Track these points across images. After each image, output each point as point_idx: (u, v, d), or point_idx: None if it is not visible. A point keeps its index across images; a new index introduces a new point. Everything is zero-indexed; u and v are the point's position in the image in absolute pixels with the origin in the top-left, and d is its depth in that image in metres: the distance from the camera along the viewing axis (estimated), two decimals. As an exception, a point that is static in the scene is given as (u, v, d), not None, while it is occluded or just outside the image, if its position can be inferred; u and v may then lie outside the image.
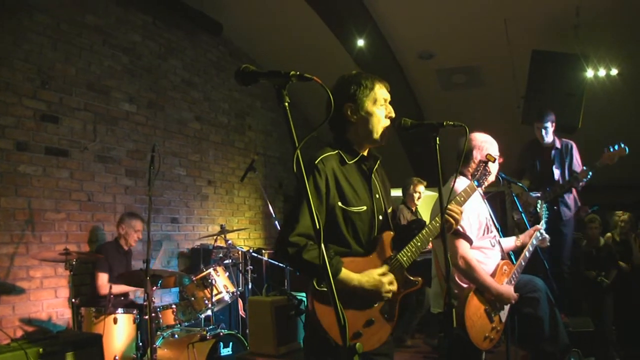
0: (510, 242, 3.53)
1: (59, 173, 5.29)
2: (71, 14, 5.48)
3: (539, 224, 3.62)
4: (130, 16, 6.20)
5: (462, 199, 2.58)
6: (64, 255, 4.42)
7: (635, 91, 6.52)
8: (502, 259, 3.25)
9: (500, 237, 3.39)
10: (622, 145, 4.64)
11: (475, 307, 2.96)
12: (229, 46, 7.75)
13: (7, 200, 4.84)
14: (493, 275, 3.10)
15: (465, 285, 3.07)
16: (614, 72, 6.14)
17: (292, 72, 1.58)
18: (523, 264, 3.30)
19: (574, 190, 5.21)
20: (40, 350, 3.25)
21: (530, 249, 3.40)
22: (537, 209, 3.60)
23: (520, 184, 4.64)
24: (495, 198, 3.62)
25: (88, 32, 5.65)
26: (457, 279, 3.08)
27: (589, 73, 5.74)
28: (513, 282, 3.21)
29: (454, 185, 2.46)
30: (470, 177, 3.19)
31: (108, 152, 5.81)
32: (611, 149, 4.67)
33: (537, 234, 3.50)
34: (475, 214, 3.10)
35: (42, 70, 5.17)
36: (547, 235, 3.54)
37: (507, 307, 3.13)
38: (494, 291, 2.99)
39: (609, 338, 5.54)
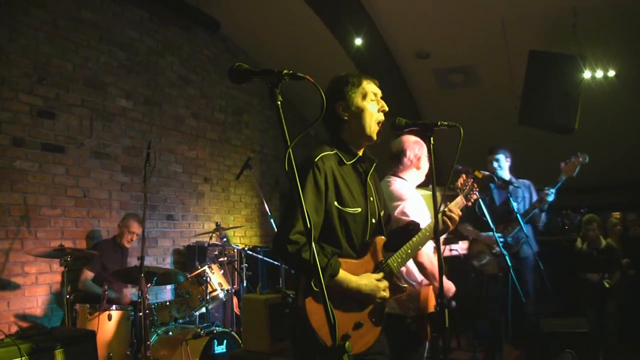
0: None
1: (55, 169, 5.29)
2: (67, 10, 5.47)
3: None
4: (127, 12, 6.19)
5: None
6: (59, 251, 4.41)
7: (633, 93, 6.51)
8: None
9: None
10: (579, 154, 4.51)
11: (432, 300, 3.05)
12: (226, 43, 7.74)
13: (3, 196, 4.83)
14: None
15: (418, 282, 3.13)
16: (612, 73, 6.12)
17: (285, 71, 1.59)
18: None
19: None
20: (34, 345, 3.25)
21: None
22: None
23: (504, 177, 4.59)
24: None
25: (85, 27, 5.64)
26: (411, 275, 3.12)
27: (587, 74, 5.72)
28: None
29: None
30: (403, 177, 3.26)
31: (104, 149, 5.80)
32: (568, 161, 4.55)
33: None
34: (421, 212, 3.10)
35: (39, 65, 5.16)
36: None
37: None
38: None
39: (609, 344, 5.37)
